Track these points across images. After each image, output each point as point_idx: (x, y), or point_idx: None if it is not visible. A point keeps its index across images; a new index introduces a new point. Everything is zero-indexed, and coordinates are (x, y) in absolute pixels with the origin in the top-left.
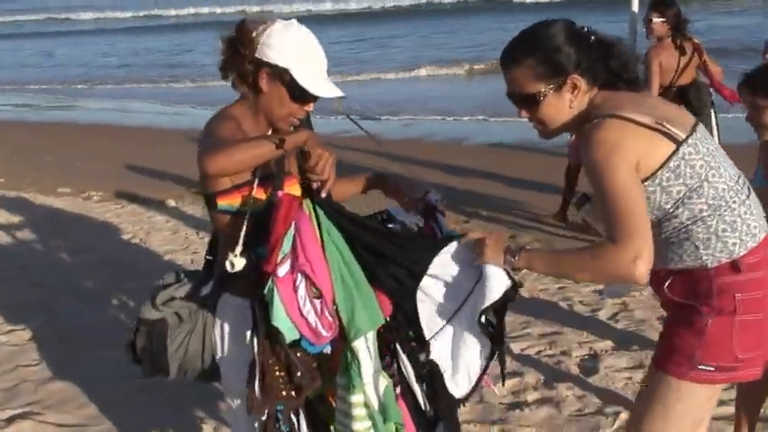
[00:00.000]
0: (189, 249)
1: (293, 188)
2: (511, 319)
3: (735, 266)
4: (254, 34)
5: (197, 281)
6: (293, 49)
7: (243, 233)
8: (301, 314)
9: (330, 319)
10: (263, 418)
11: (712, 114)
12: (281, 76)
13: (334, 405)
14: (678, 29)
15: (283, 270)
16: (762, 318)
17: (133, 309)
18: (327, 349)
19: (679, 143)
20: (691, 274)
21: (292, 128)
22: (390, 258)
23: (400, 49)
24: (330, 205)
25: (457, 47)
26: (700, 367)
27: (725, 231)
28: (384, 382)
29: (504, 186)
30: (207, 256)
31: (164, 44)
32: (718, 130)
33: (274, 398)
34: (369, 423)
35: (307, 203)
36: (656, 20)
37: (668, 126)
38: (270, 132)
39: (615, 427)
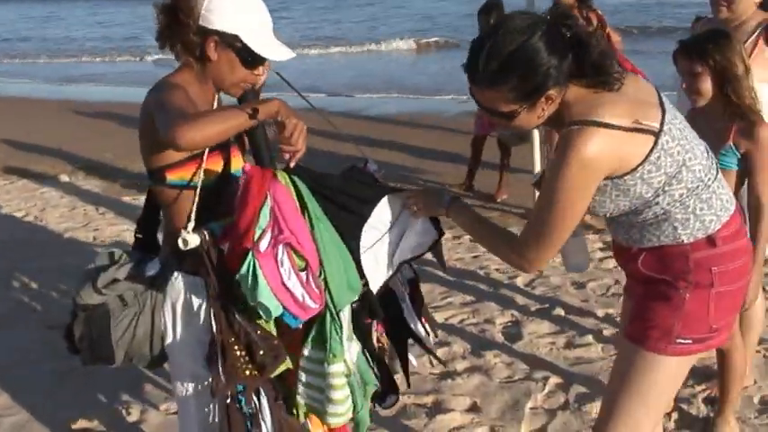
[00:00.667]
0: (90, 226)
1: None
2: (429, 289)
3: (710, 241)
4: (191, 1)
5: (135, 260)
6: (239, 13)
7: (194, 208)
8: (286, 288)
9: (317, 290)
10: (227, 401)
11: None
12: (231, 42)
13: (298, 380)
14: (582, 0)
15: (263, 244)
16: (735, 288)
17: (37, 290)
18: (300, 323)
19: (657, 134)
20: (665, 249)
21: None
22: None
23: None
24: (302, 169)
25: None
26: (678, 341)
27: (702, 210)
28: (356, 347)
29: (412, 158)
30: (137, 234)
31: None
32: None
33: (237, 378)
34: (348, 390)
35: (281, 174)
36: None
37: (645, 122)
38: (216, 99)
39: (546, 391)
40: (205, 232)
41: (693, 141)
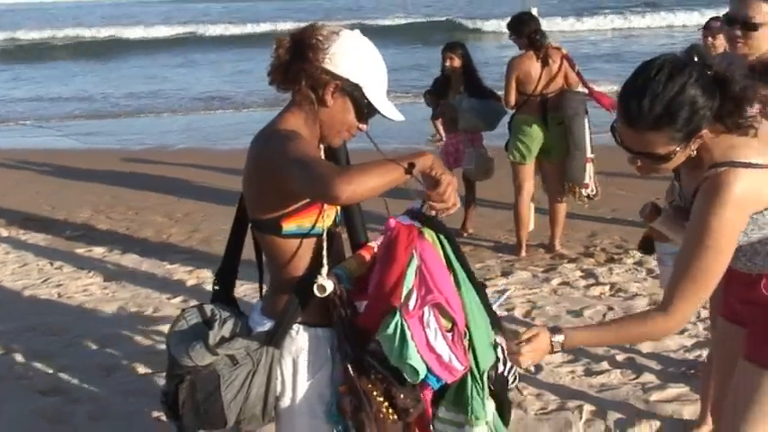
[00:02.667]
0: (50, 282)
1: None
2: None
3: None
4: (322, 41)
5: (235, 315)
6: (365, 64)
7: (325, 254)
8: (431, 349)
9: (464, 349)
10: None
11: (586, 122)
12: (351, 91)
13: None
14: (532, 43)
15: (411, 304)
16: None
17: (14, 355)
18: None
19: None
20: None
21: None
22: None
23: None
24: (442, 227)
25: None
26: None
27: None
28: (492, 405)
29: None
30: (215, 287)
31: None
32: (590, 137)
33: (385, 423)
34: None
35: (429, 232)
36: (510, 38)
37: None
38: (320, 146)
39: (584, 420)
40: (340, 276)
41: None
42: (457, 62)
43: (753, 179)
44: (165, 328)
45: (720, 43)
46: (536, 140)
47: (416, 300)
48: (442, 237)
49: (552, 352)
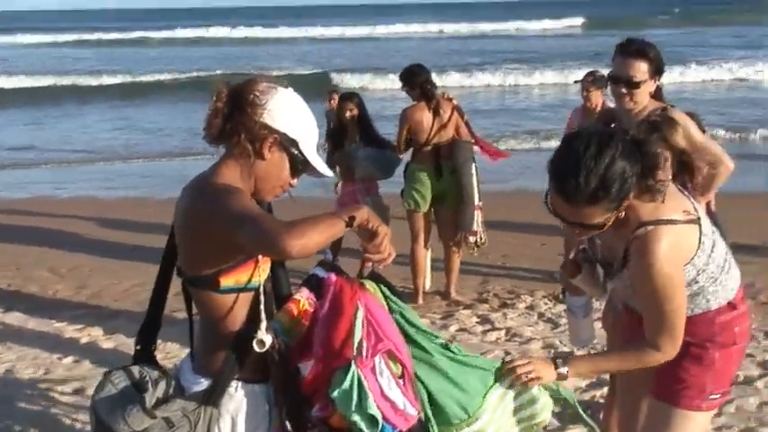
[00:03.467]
0: None
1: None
2: None
3: (731, 305)
4: (259, 96)
5: (165, 375)
6: (301, 120)
7: (262, 308)
8: (386, 399)
9: (413, 395)
10: None
11: (473, 170)
12: (288, 146)
13: None
14: (424, 93)
15: (363, 354)
16: (746, 344)
17: None
18: None
19: (699, 223)
20: (695, 317)
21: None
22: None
23: None
24: (378, 276)
25: None
26: (711, 397)
27: (726, 281)
28: None
29: None
30: (137, 346)
31: None
32: (478, 185)
33: None
34: None
35: (369, 283)
36: (403, 89)
37: (691, 212)
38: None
39: None
40: (275, 329)
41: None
42: (355, 112)
43: (676, 234)
44: (59, 390)
45: (596, 96)
46: (430, 189)
47: (367, 350)
48: (382, 286)
49: (560, 378)
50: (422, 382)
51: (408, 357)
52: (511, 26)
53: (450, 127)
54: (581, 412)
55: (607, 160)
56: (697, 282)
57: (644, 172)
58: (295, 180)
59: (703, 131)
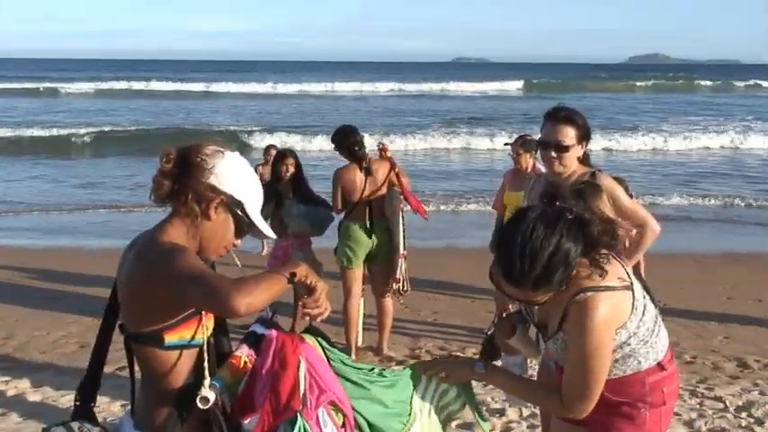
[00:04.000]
0: None
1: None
2: None
3: (660, 366)
4: (206, 160)
5: (111, 431)
6: (247, 184)
7: (206, 365)
8: None
9: None
10: None
11: (401, 219)
12: (233, 208)
13: None
14: (352, 154)
15: (307, 406)
16: (674, 404)
17: None
18: None
19: (632, 288)
20: (624, 377)
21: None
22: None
23: None
24: (322, 334)
25: None
26: None
27: (656, 343)
28: None
29: None
30: (76, 402)
31: None
32: (404, 234)
33: None
34: None
35: (308, 336)
36: (335, 150)
37: (624, 279)
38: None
39: None
40: (218, 386)
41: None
42: (293, 169)
43: (613, 300)
44: None
45: (525, 159)
46: (362, 246)
47: (311, 401)
48: (319, 339)
49: (473, 375)
50: (361, 415)
51: (348, 406)
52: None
53: (384, 187)
54: (477, 415)
55: (552, 248)
56: (629, 344)
57: (587, 250)
58: (239, 241)
59: (631, 196)
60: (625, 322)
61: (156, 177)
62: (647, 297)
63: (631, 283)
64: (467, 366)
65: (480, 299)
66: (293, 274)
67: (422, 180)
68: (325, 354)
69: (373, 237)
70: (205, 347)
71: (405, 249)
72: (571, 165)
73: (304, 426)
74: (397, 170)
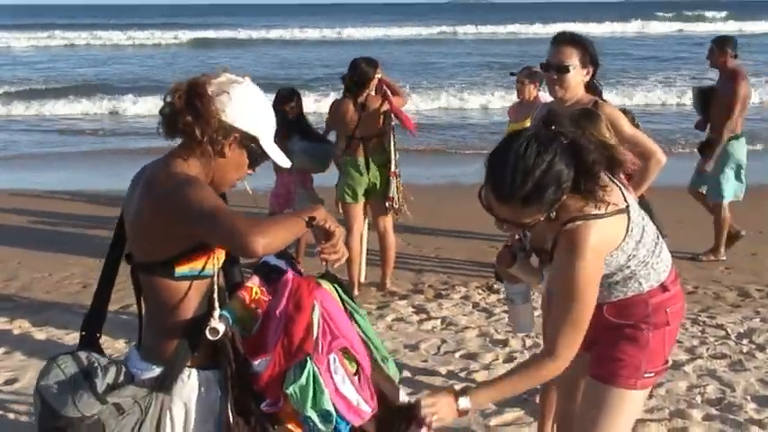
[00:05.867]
0: None
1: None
2: None
3: (663, 287)
4: (213, 93)
5: (114, 362)
6: (260, 115)
7: (216, 297)
8: (339, 395)
9: (370, 391)
10: None
11: (392, 138)
12: (248, 143)
13: None
14: (349, 90)
15: (319, 351)
16: (678, 324)
17: None
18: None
19: (628, 212)
20: (628, 299)
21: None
22: None
23: None
24: (331, 276)
25: None
26: (645, 375)
27: (657, 264)
28: None
29: None
30: (82, 332)
31: None
32: (395, 153)
33: None
34: None
35: (325, 282)
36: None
37: (618, 204)
38: None
39: None
40: (228, 318)
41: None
42: (297, 109)
43: (604, 227)
44: None
45: (530, 89)
46: (359, 182)
47: (322, 347)
48: (336, 286)
49: (461, 414)
50: (378, 351)
51: (364, 355)
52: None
53: (379, 122)
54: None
55: (544, 165)
56: (628, 266)
57: (579, 177)
58: (251, 172)
59: (636, 126)
60: (619, 245)
61: (166, 112)
62: (647, 218)
63: (627, 206)
64: (452, 404)
65: (482, 235)
66: (312, 218)
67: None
68: (343, 304)
69: (369, 173)
70: (215, 279)
71: (396, 168)
72: (573, 90)
73: (313, 370)
74: (392, 88)
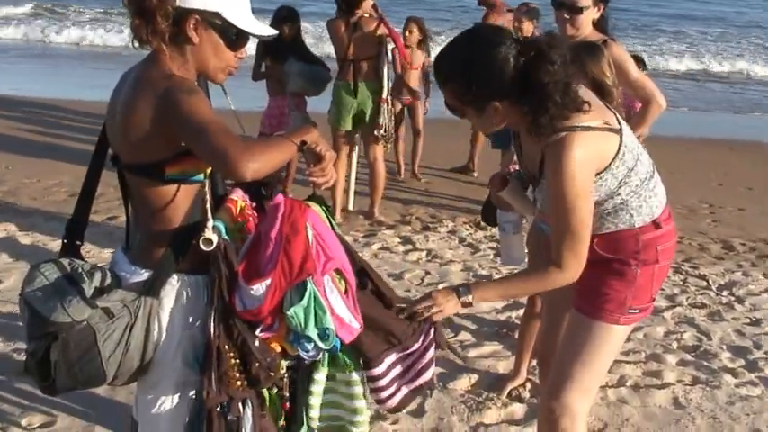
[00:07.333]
0: None
1: None
2: None
3: (656, 224)
4: None
5: (98, 267)
6: None
7: (209, 206)
8: (334, 314)
9: (356, 307)
10: (216, 409)
11: (385, 64)
12: (212, 21)
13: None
14: (340, 8)
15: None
16: (668, 263)
17: None
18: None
19: (620, 132)
20: (619, 233)
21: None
22: None
23: None
24: (326, 204)
25: None
26: (629, 311)
27: (650, 198)
28: None
29: None
30: (64, 240)
31: None
32: (388, 79)
33: (227, 389)
34: (365, 400)
35: (313, 204)
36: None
37: (611, 123)
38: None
39: None
40: (220, 229)
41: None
42: (294, 30)
43: (592, 140)
44: None
45: (527, 27)
46: (346, 106)
47: (318, 269)
48: (324, 207)
49: (465, 306)
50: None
51: (351, 273)
52: None
53: (371, 45)
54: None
55: (467, 54)
56: (619, 194)
57: (533, 100)
58: (241, 54)
59: (644, 70)
60: (609, 165)
61: (130, 22)
62: (644, 150)
63: (620, 129)
64: (453, 298)
65: (473, 174)
66: (303, 142)
67: None
68: (330, 222)
69: (358, 97)
70: (207, 186)
71: (388, 95)
72: (584, 28)
73: (314, 291)
74: (381, 13)
